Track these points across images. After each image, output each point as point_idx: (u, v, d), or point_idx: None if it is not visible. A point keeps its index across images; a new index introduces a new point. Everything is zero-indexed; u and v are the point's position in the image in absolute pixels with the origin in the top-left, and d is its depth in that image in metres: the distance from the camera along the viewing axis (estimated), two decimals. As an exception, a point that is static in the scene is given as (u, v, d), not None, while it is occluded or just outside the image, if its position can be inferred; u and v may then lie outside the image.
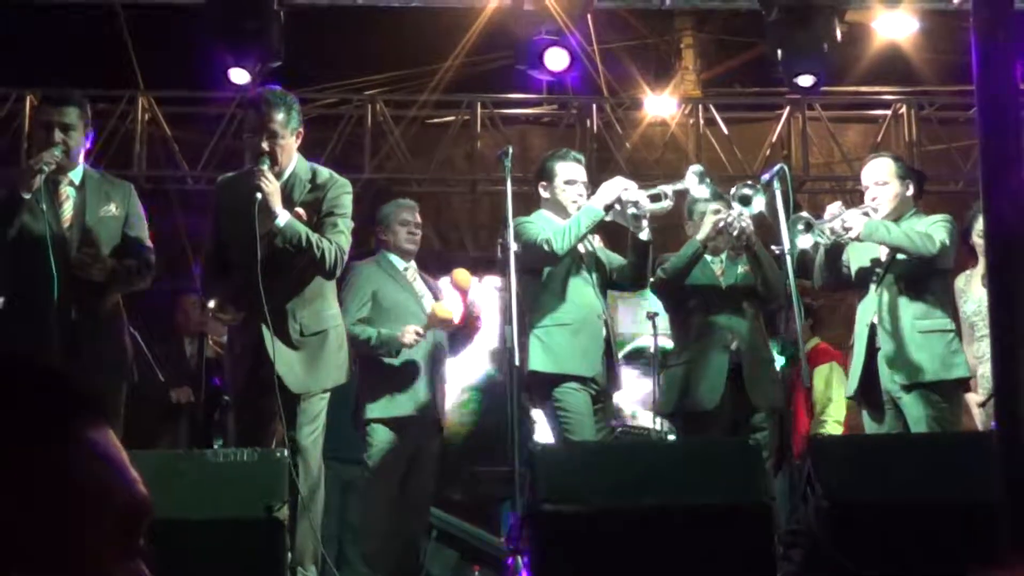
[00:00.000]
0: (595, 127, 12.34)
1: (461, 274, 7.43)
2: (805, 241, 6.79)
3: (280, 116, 5.99)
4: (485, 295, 11.27)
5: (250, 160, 6.06)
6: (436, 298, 7.36)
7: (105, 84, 11.81)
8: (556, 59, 9.19)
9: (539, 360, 6.73)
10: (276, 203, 5.86)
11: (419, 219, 7.52)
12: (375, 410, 7.03)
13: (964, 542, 4.88)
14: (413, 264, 7.43)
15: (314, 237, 5.90)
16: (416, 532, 7.26)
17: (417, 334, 6.99)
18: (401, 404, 7.05)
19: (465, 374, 11.18)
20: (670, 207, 6.99)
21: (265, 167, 5.89)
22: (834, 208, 7.06)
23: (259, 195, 5.81)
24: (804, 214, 6.97)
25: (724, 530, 5.36)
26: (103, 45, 11.82)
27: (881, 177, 7.04)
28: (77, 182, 6.16)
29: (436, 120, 12.76)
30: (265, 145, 5.96)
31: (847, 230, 6.80)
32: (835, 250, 7.01)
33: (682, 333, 7.37)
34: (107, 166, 11.08)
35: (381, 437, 7.02)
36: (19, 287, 6.00)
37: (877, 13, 10.40)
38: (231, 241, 6.07)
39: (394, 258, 7.38)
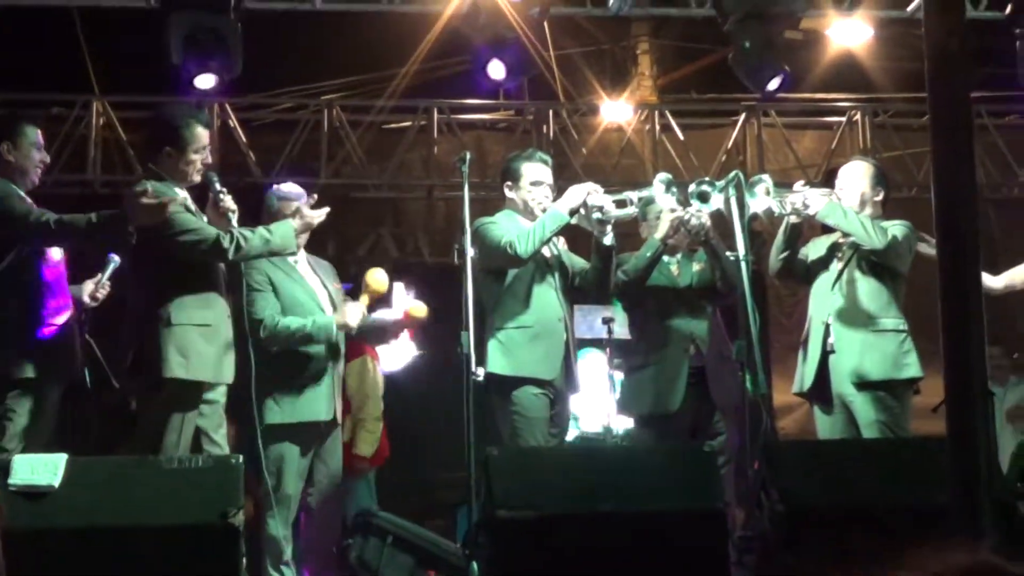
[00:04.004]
0: (551, 133, 12.35)
1: (375, 277, 7.09)
2: (761, 204, 6.81)
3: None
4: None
5: (174, 172, 6.19)
6: (327, 289, 7.02)
7: (60, 89, 11.76)
8: (496, 70, 9.25)
9: (498, 363, 6.72)
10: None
11: None
12: (278, 416, 6.67)
13: (918, 545, 4.90)
14: (303, 256, 7.01)
15: None
16: (335, 530, 7.18)
17: (362, 313, 6.83)
18: (314, 407, 6.73)
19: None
20: (636, 214, 7.01)
21: (218, 185, 6.29)
22: (799, 186, 7.14)
23: (233, 214, 6.16)
24: (765, 177, 7.00)
25: (678, 535, 5.38)
26: (58, 50, 11.73)
27: (855, 174, 7.14)
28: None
29: (393, 125, 12.74)
30: (206, 159, 6.29)
31: (806, 206, 6.87)
32: (794, 234, 7.06)
33: (642, 335, 7.40)
34: (62, 170, 11.07)
35: (284, 443, 6.70)
36: None
37: (832, 20, 10.45)
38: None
39: None
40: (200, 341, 6.04)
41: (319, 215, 6.31)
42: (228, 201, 6.24)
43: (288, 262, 6.83)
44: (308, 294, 6.88)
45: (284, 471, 6.68)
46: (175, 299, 6.04)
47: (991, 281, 7.24)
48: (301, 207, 6.34)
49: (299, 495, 6.79)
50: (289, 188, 7.15)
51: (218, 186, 6.30)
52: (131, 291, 6.30)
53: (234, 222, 6.19)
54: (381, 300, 7.26)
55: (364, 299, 6.95)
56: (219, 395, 6.23)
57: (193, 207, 6.19)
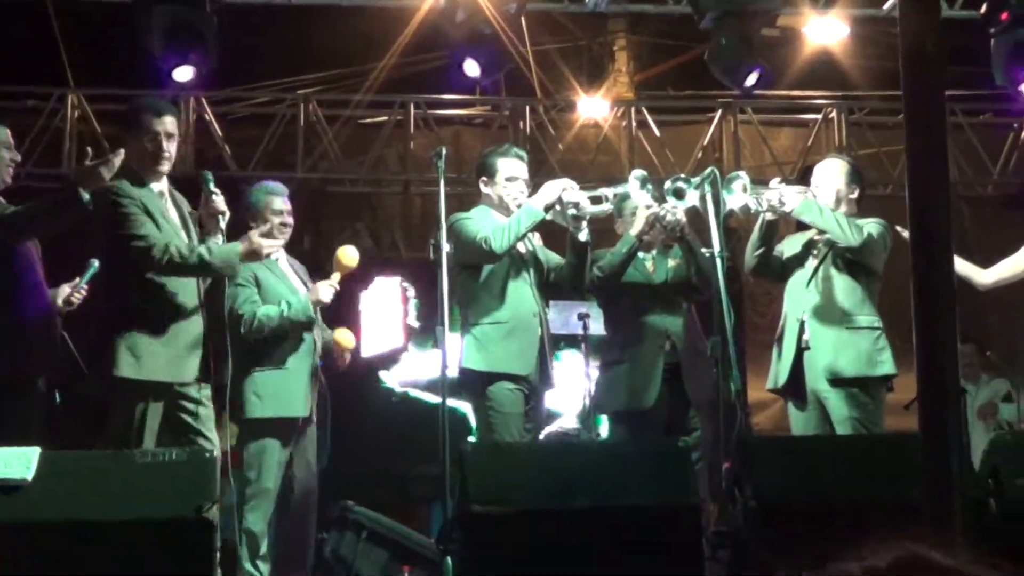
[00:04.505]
0: (528, 128, 12.34)
1: (346, 253, 7.13)
2: (738, 200, 6.84)
3: (175, 119, 6.32)
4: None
5: (141, 160, 6.18)
6: (308, 288, 7.07)
7: (34, 81, 11.71)
8: (472, 68, 9.32)
9: (473, 358, 6.74)
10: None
11: (290, 207, 7.21)
12: (259, 410, 6.79)
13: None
14: (283, 253, 7.12)
15: None
16: (309, 528, 7.19)
17: (331, 287, 6.86)
18: (294, 402, 6.84)
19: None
20: (611, 210, 7.03)
21: (212, 186, 6.25)
22: (775, 183, 7.15)
23: (222, 216, 6.19)
24: (741, 173, 7.03)
25: (652, 531, 5.39)
26: (33, 42, 11.69)
27: (830, 171, 7.17)
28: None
29: (369, 120, 12.72)
30: (164, 146, 6.19)
31: (782, 203, 6.89)
32: (770, 231, 7.08)
33: (616, 331, 7.41)
34: (36, 164, 11.02)
35: (265, 437, 6.80)
36: None
37: (808, 18, 10.48)
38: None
39: None
40: (154, 342, 6.03)
41: (269, 245, 6.27)
42: (219, 203, 6.23)
43: (270, 258, 6.84)
44: (290, 290, 6.96)
45: (264, 464, 6.71)
46: (134, 299, 6.10)
47: (980, 276, 7.27)
48: (250, 234, 6.25)
49: (278, 489, 6.80)
50: (274, 183, 7.23)
51: (211, 186, 6.27)
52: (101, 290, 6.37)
53: (222, 224, 6.20)
54: (351, 276, 7.29)
55: (335, 276, 7.00)
56: (202, 394, 6.22)
57: (163, 208, 6.18)
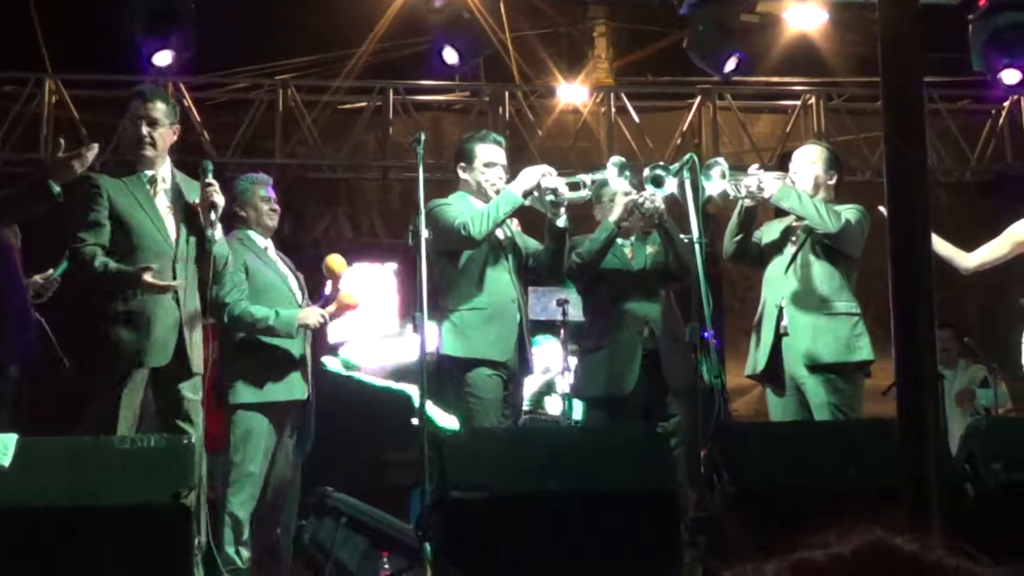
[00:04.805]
0: (507, 114, 12.32)
1: (335, 260, 7.30)
2: (716, 187, 6.86)
3: (163, 107, 6.32)
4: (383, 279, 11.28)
5: (128, 146, 6.31)
6: (297, 278, 7.24)
7: (11, 66, 11.65)
8: (451, 56, 9.36)
9: (451, 344, 6.74)
10: (217, 215, 6.23)
11: (275, 196, 7.31)
12: (247, 395, 6.83)
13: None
14: (271, 242, 7.24)
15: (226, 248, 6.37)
16: (288, 514, 7.23)
17: (322, 316, 6.96)
18: (276, 389, 6.88)
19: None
20: (589, 196, 7.04)
21: (211, 177, 6.25)
22: (753, 168, 7.16)
23: (214, 208, 6.20)
24: (720, 160, 7.06)
25: (631, 516, 5.40)
26: (10, 27, 11.62)
27: (808, 158, 7.19)
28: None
29: (348, 106, 12.68)
30: (144, 131, 6.24)
31: (761, 190, 6.91)
32: (749, 217, 7.09)
33: (595, 318, 7.41)
34: (13, 149, 10.98)
35: (252, 422, 6.83)
36: None
37: (788, 4, 10.49)
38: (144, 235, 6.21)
39: (255, 235, 7.13)
40: (130, 330, 6.10)
41: (160, 285, 6.13)
42: (213, 194, 6.23)
43: (260, 247, 7.05)
44: (280, 278, 7.10)
45: (249, 449, 6.74)
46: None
47: (963, 259, 7.28)
48: (143, 275, 6.06)
49: (263, 474, 6.83)
50: (259, 174, 7.39)
51: (209, 178, 6.29)
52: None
53: (213, 217, 6.18)
54: (339, 280, 7.36)
55: (330, 308, 7.11)
56: (189, 381, 6.24)
57: (147, 196, 6.20)
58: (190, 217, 6.26)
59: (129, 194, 6.19)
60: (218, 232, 6.24)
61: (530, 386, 8.80)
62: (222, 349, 6.97)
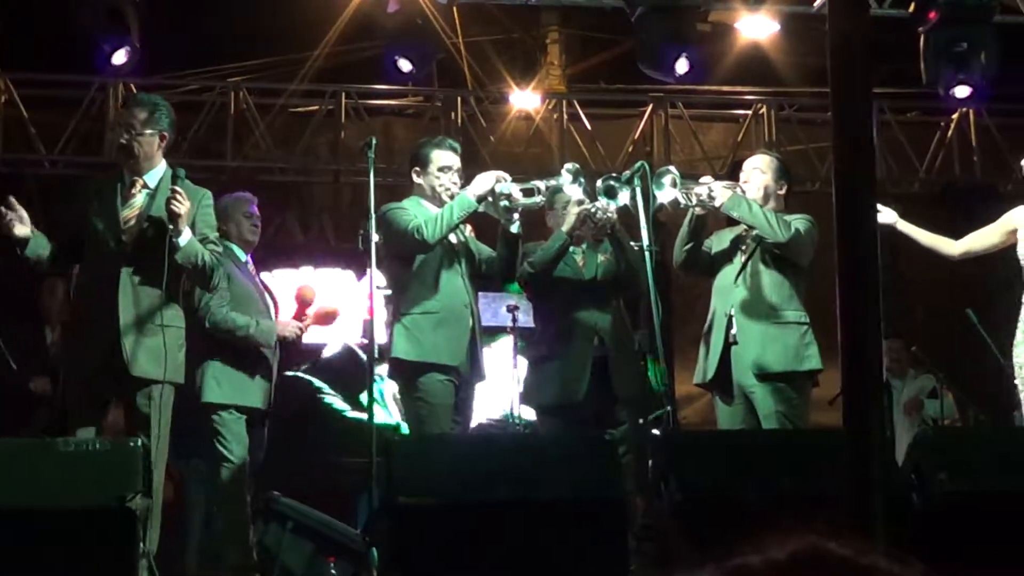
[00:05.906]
0: (460, 120, 12.32)
1: (308, 290, 7.67)
2: (667, 195, 6.87)
3: (142, 115, 6.27)
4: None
5: (114, 154, 6.34)
6: (269, 294, 7.44)
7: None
8: (404, 66, 9.44)
9: (403, 348, 6.75)
10: (183, 223, 6.06)
11: (258, 212, 7.53)
12: (216, 395, 6.99)
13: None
14: (250, 257, 7.46)
15: (208, 257, 6.19)
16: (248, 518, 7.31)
17: (300, 330, 7.13)
18: (251, 394, 7.08)
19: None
20: (543, 203, 7.05)
21: (178, 185, 6.12)
22: (705, 178, 7.19)
23: (175, 217, 6.05)
24: (672, 168, 7.08)
25: (579, 524, 5.40)
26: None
27: (758, 167, 7.22)
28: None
29: (300, 109, 12.64)
30: (124, 139, 6.27)
31: (712, 198, 6.93)
32: (698, 226, 7.10)
33: (547, 327, 7.41)
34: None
35: (233, 423, 7.00)
36: None
37: (740, 14, 10.53)
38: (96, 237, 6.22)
39: (236, 249, 7.28)
40: (72, 333, 6.38)
41: None
42: (174, 202, 6.04)
43: (240, 259, 7.25)
44: (258, 291, 7.34)
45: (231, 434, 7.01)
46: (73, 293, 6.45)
47: (949, 246, 7.28)
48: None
49: (246, 460, 7.07)
50: (242, 193, 7.66)
51: (175, 186, 6.13)
52: None
53: (180, 225, 6.06)
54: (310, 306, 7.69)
55: (308, 321, 7.50)
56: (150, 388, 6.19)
57: (115, 196, 6.20)
58: (160, 224, 6.15)
59: (98, 196, 6.26)
60: (184, 238, 6.09)
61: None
62: (195, 348, 6.95)
